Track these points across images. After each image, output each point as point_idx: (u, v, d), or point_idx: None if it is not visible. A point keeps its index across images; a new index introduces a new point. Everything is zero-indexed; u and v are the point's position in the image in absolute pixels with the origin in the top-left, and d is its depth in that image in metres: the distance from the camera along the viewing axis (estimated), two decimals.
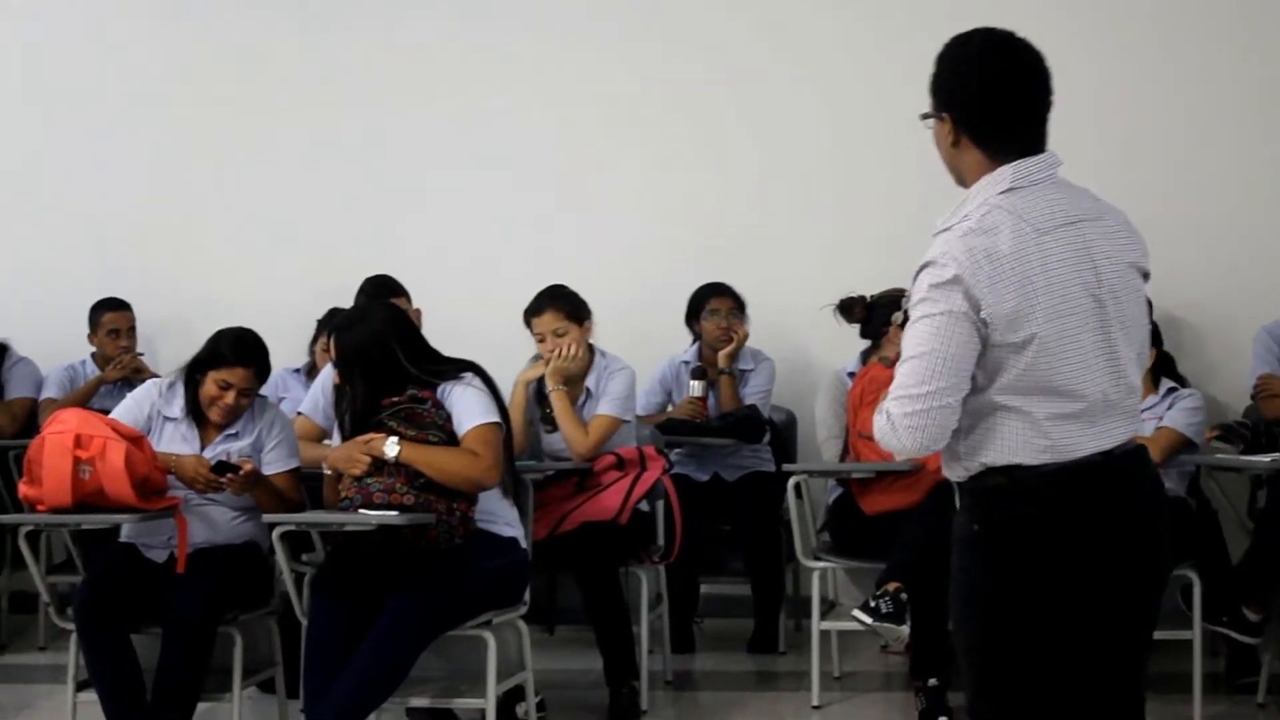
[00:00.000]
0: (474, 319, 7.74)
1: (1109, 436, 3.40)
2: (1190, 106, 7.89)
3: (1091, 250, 3.38)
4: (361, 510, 5.43)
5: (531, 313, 6.79)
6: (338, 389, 5.81)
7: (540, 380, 6.74)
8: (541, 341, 6.75)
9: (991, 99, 3.40)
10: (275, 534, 5.57)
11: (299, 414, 6.60)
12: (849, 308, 6.75)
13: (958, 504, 3.54)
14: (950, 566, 3.52)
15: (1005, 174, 3.38)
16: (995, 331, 3.31)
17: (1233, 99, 7.86)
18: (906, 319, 6.40)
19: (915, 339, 3.37)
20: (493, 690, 5.55)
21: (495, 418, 5.63)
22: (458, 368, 5.72)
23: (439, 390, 5.63)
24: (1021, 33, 3.45)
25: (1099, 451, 3.38)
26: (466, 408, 5.60)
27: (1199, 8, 7.97)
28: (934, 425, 3.34)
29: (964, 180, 3.46)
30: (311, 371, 7.42)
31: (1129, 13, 7.97)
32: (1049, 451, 3.36)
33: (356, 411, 5.63)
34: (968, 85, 3.42)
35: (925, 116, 3.47)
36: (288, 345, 7.42)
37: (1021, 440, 3.36)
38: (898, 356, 6.54)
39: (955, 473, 3.49)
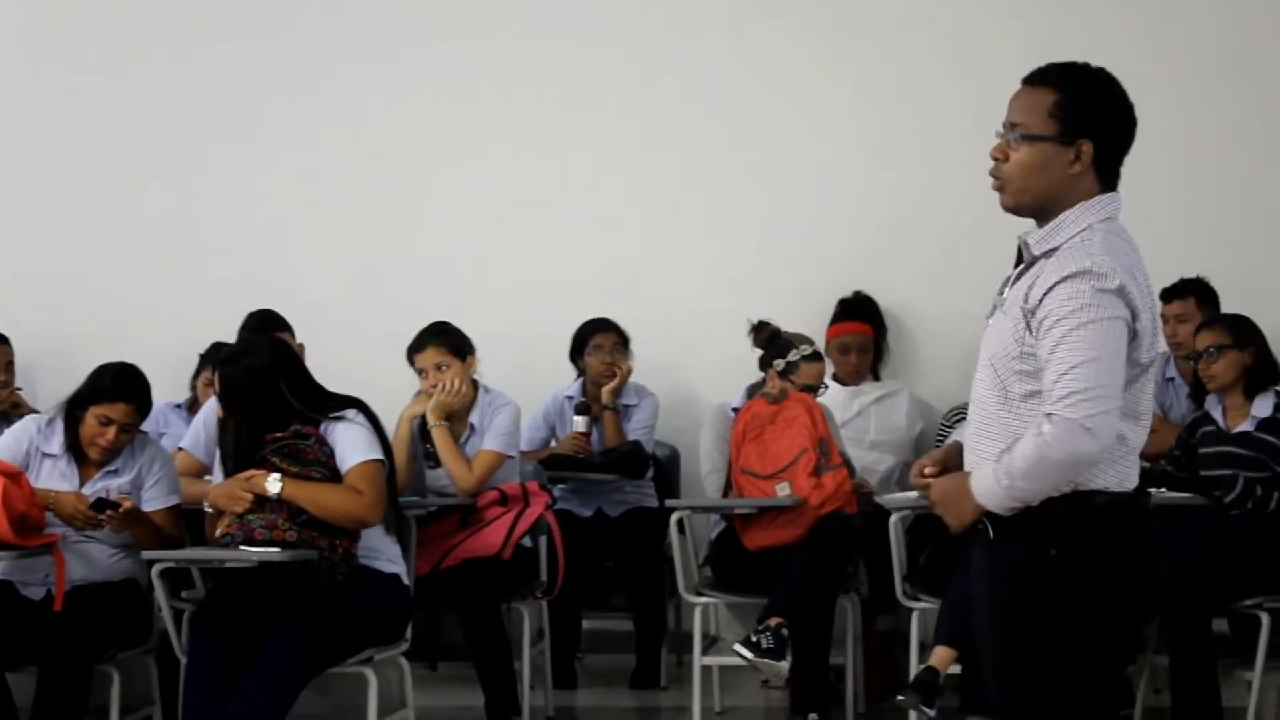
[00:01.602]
0: (357, 353, 7.72)
1: (1138, 471, 3.53)
2: None
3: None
4: (242, 547, 5.39)
5: (414, 349, 6.80)
6: (221, 423, 5.77)
7: (423, 418, 6.73)
8: (424, 377, 6.75)
9: (1128, 134, 3.55)
10: (154, 571, 5.53)
11: (180, 449, 6.55)
12: (758, 330, 6.82)
13: (990, 530, 3.50)
14: (978, 595, 3.59)
15: (1108, 203, 3.52)
16: (1136, 348, 3.42)
17: None
18: (788, 368, 6.44)
19: (1086, 344, 3.35)
20: None
21: (378, 455, 5.61)
22: (342, 404, 5.70)
23: (323, 426, 5.61)
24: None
25: (1138, 486, 3.51)
26: (350, 444, 5.58)
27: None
28: (1111, 429, 3.36)
29: (1048, 206, 3.52)
30: (193, 406, 7.35)
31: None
32: (1125, 480, 3.46)
33: (239, 447, 5.60)
34: (1114, 117, 3.54)
35: (1046, 139, 3.49)
36: (169, 380, 7.37)
37: (1112, 464, 3.43)
38: (780, 393, 6.68)
39: None
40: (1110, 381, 3.35)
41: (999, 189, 3.57)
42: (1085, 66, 3.57)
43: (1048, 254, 3.48)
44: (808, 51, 8.29)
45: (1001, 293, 3.61)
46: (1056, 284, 3.40)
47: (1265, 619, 6.01)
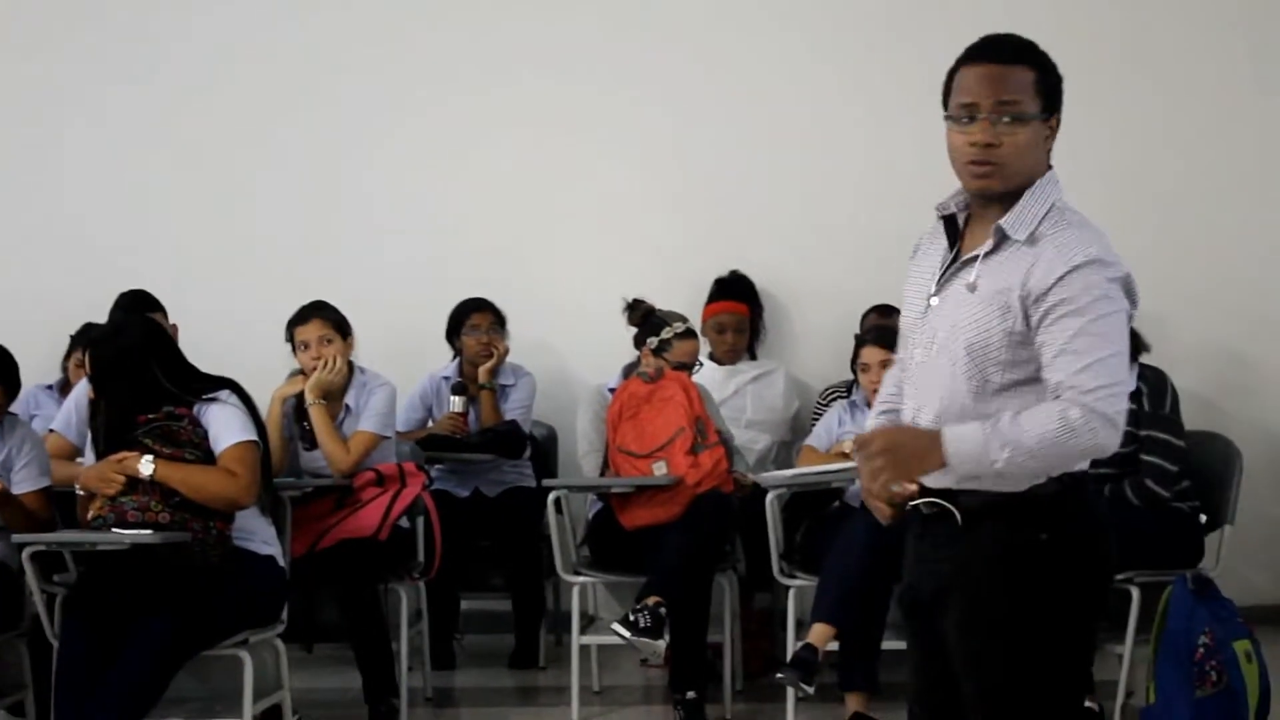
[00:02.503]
0: (228, 334, 7.67)
1: None
2: None
3: None
4: (115, 529, 5.34)
5: (296, 321, 6.77)
6: (92, 405, 5.71)
7: (298, 396, 6.70)
8: (305, 350, 6.71)
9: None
10: (25, 554, 5.46)
11: (51, 431, 6.47)
12: (633, 308, 6.82)
13: (959, 516, 3.37)
14: (948, 587, 3.40)
15: (1056, 180, 3.42)
16: None
17: None
18: (661, 346, 6.39)
19: (1108, 335, 3.26)
20: (249, 710, 5.50)
21: (253, 436, 5.57)
22: (215, 385, 5.65)
23: (196, 408, 5.56)
24: None
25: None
26: (224, 426, 5.54)
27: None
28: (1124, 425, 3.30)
29: (1028, 181, 3.38)
30: (64, 388, 7.25)
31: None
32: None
33: (111, 428, 5.53)
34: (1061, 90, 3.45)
35: (1036, 118, 3.37)
36: (39, 362, 7.27)
37: None
38: (656, 372, 6.70)
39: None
40: (1126, 377, 3.28)
41: (987, 175, 3.37)
42: (1030, 41, 3.47)
43: (1030, 239, 3.33)
44: (684, 36, 8.30)
45: (944, 274, 3.45)
46: (1067, 273, 3.26)
47: (1135, 593, 6.09)
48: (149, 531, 5.31)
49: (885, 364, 6.97)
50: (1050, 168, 3.43)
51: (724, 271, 8.02)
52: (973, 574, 3.37)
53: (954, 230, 3.50)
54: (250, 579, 5.60)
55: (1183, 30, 8.18)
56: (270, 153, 8.43)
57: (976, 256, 3.39)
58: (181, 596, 5.34)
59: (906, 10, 8.01)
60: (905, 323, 3.58)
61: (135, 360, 5.54)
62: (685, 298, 7.68)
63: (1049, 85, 3.40)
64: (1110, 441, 3.23)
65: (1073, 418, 3.19)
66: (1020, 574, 3.33)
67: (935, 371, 3.42)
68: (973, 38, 3.49)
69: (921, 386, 3.46)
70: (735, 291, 7.96)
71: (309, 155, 8.41)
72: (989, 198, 3.40)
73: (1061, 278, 3.27)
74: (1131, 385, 6.35)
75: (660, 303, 6.94)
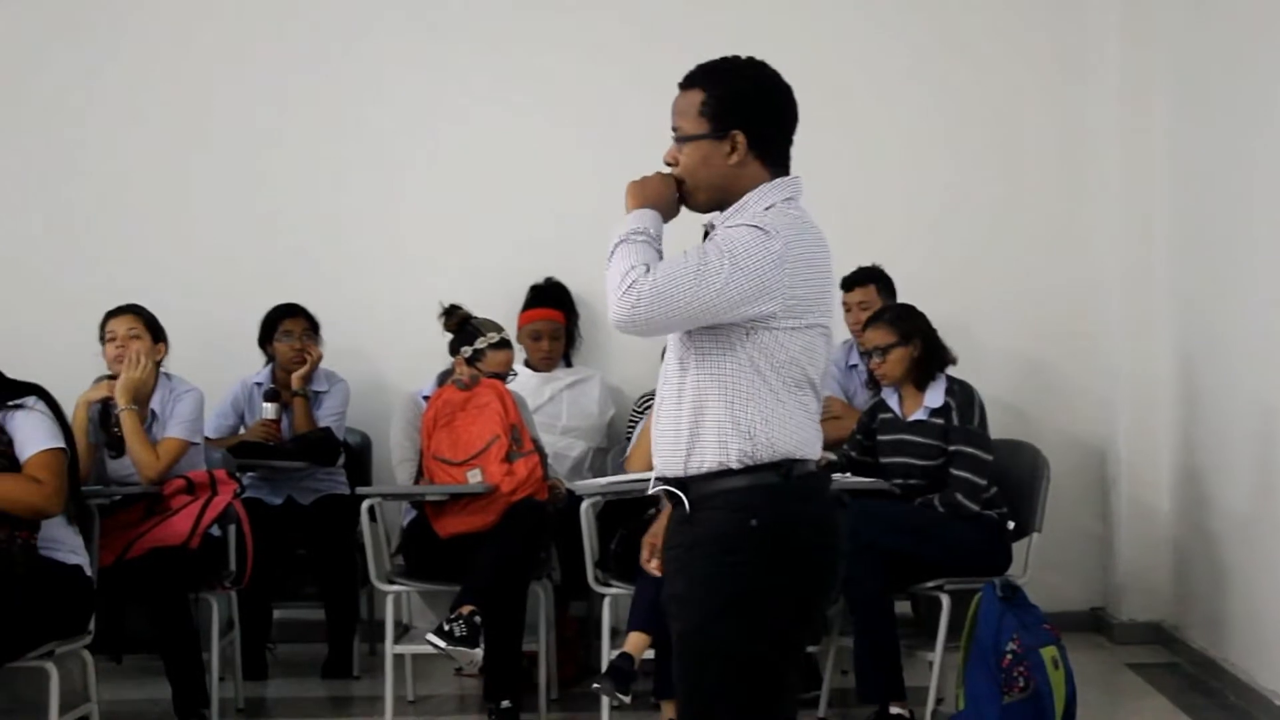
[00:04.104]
0: (29, 340, 7.54)
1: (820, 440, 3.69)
2: None
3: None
4: None
5: (111, 315, 6.71)
6: None
7: (103, 403, 6.59)
8: (111, 341, 6.62)
9: (780, 117, 3.73)
10: None
11: None
12: (449, 314, 6.79)
13: (687, 505, 3.64)
14: (673, 570, 3.68)
15: (787, 185, 3.69)
16: (804, 312, 3.57)
17: None
18: (475, 355, 6.49)
19: (705, 262, 3.51)
20: None
21: (60, 443, 5.48)
22: (21, 391, 5.54)
23: (0, 414, 5.44)
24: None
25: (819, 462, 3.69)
26: (30, 433, 5.44)
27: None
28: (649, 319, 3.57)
29: (723, 198, 3.69)
30: None
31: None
32: (809, 448, 3.64)
33: None
34: (762, 105, 3.69)
35: (700, 138, 3.66)
36: None
37: (795, 429, 3.62)
38: (471, 380, 6.68)
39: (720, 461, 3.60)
40: (682, 289, 3.45)
41: (683, 191, 3.72)
42: (733, 61, 3.74)
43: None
44: (503, 48, 8.31)
45: None
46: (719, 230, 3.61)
47: (945, 600, 6.19)
48: None
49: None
50: (779, 175, 3.69)
51: (540, 278, 8.02)
52: (691, 556, 3.64)
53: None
54: (56, 588, 5.50)
55: (980, 33, 8.34)
56: (72, 155, 8.30)
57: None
58: None
59: (724, 25, 8.09)
60: None
61: None
62: (502, 304, 7.67)
63: (720, 104, 3.67)
64: (614, 308, 3.48)
65: (633, 273, 3.46)
66: (731, 554, 3.58)
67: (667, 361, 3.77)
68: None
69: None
70: (551, 298, 7.97)
71: (120, 159, 8.30)
72: (693, 210, 3.75)
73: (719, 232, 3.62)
74: (939, 401, 6.46)
75: (477, 309, 6.92)
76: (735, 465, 3.56)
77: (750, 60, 3.73)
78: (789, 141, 3.74)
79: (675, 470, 3.65)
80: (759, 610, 3.56)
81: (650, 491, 3.74)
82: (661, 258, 3.53)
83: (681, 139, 3.70)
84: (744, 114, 3.66)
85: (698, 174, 3.68)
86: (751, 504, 3.57)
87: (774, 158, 3.70)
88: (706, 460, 3.59)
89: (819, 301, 3.60)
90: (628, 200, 3.69)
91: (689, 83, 3.72)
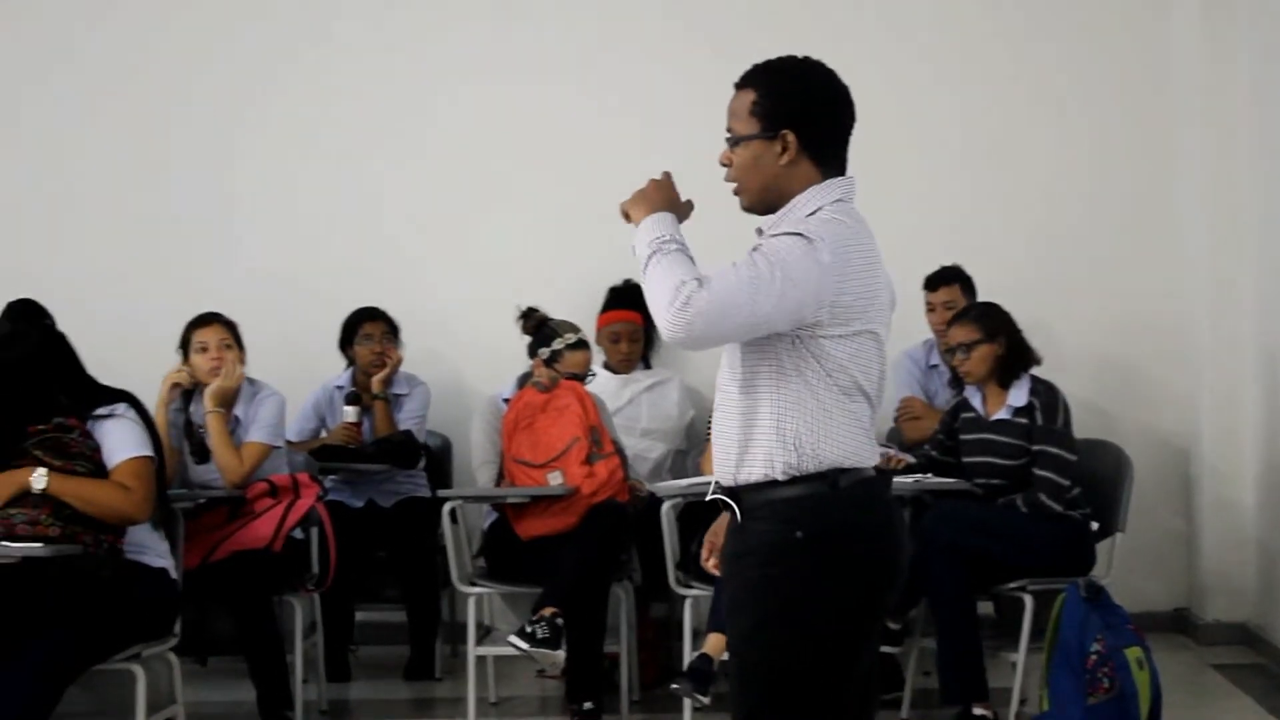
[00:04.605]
0: (109, 346, 7.60)
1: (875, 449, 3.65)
2: None
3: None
4: (4, 543, 5.26)
5: (196, 325, 6.74)
6: None
7: (185, 410, 6.64)
8: (203, 352, 6.66)
9: (834, 118, 3.67)
10: None
11: None
12: (526, 316, 6.82)
13: (738, 514, 3.61)
14: (725, 578, 3.66)
15: (836, 186, 3.63)
16: (850, 319, 3.53)
17: None
18: (552, 357, 6.51)
19: (757, 275, 3.47)
20: None
21: (148, 451, 5.52)
22: (113, 397, 5.58)
23: (90, 420, 5.49)
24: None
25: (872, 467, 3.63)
26: (120, 440, 5.48)
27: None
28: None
29: (773, 199, 3.65)
30: None
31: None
32: (861, 457, 3.59)
33: (1, 438, 5.44)
34: (814, 105, 3.65)
35: (752, 138, 3.63)
36: None
37: (843, 439, 3.56)
38: (550, 382, 6.71)
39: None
40: (739, 305, 3.41)
41: (736, 192, 3.70)
42: (786, 61, 3.70)
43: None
44: (576, 46, 8.32)
45: None
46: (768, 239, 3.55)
47: (1029, 601, 6.15)
48: (39, 545, 5.24)
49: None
50: (831, 175, 3.64)
51: (618, 280, 8.02)
52: (738, 564, 3.62)
53: None
54: (143, 592, 5.54)
55: (1076, 33, 8.30)
56: (163, 162, 8.36)
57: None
58: (73, 610, 5.26)
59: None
60: None
61: (32, 370, 5.47)
62: (581, 306, 7.68)
63: (771, 104, 3.63)
64: (668, 323, 3.40)
65: (685, 288, 3.39)
66: (774, 566, 3.54)
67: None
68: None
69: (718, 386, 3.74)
70: (629, 300, 7.96)
71: (202, 162, 8.36)
72: (746, 210, 3.72)
73: (765, 240, 3.56)
74: (1023, 400, 6.42)
75: (555, 311, 6.94)
76: (781, 477, 3.53)
77: (804, 59, 3.70)
78: (844, 141, 3.69)
79: (727, 479, 3.63)
80: (802, 623, 3.51)
81: (709, 498, 3.71)
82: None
83: (734, 140, 3.67)
84: (795, 113, 3.62)
85: (749, 175, 3.66)
86: (798, 515, 3.53)
87: (827, 158, 3.65)
88: (755, 471, 3.57)
89: (868, 307, 3.54)
90: (631, 212, 3.65)
91: (743, 83, 3.70)
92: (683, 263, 3.47)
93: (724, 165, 3.70)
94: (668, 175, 3.71)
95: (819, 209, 3.58)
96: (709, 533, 3.94)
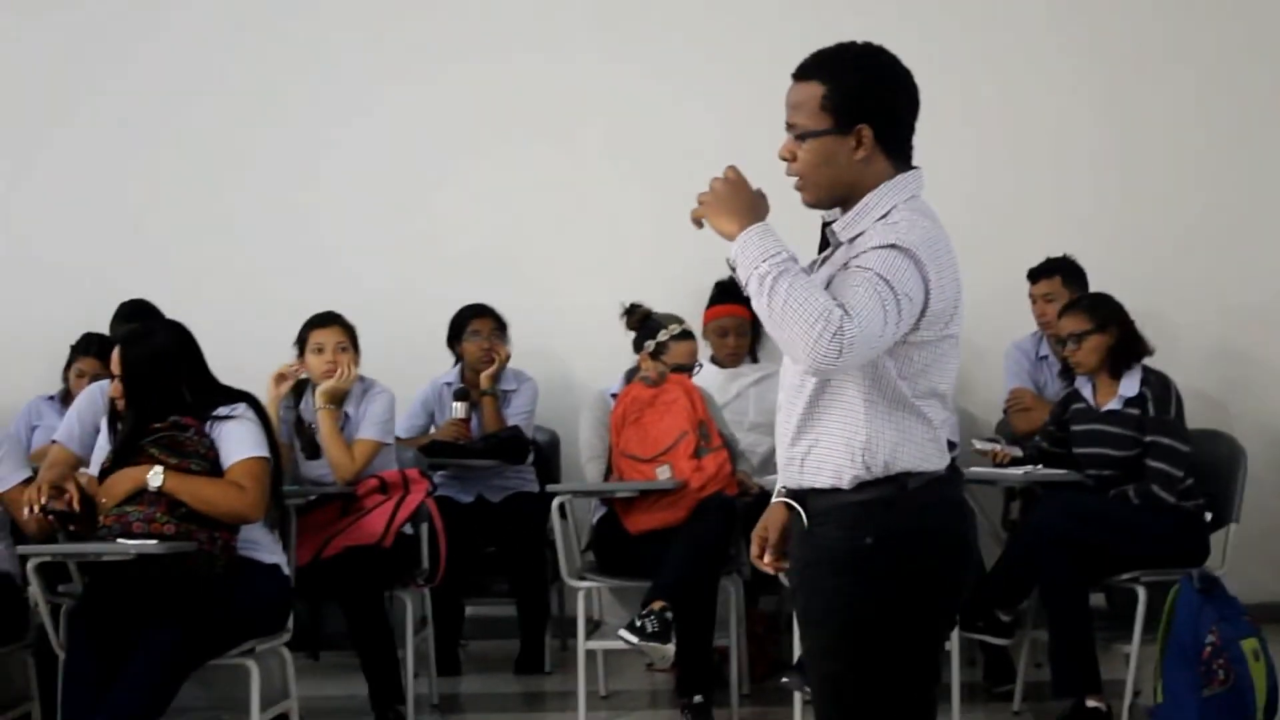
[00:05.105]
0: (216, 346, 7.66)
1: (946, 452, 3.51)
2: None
3: None
4: (120, 540, 5.32)
5: (315, 325, 6.79)
6: (115, 404, 5.67)
7: (296, 407, 6.70)
8: (319, 353, 6.71)
9: (905, 109, 3.49)
10: (30, 565, 5.45)
11: (54, 442, 6.46)
12: (630, 312, 6.83)
13: (804, 518, 3.48)
14: (795, 583, 3.55)
15: (909, 182, 3.46)
16: (932, 321, 3.38)
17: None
18: (658, 349, 6.43)
19: (883, 296, 3.32)
20: (257, 718, 5.49)
21: (264, 452, 5.56)
22: (234, 398, 5.64)
23: (209, 419, 5.54)
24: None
25: (949, 467, 3.50)
26: (238, 440, 5.52)
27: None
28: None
29: (846, 195, 3.46)
30: (66, 398, 7.24)
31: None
32: (932, 461, 3.44)
33: (131, 433, 5.50)
34: (887, 96, 3.47)
35: (823, 134, 3.43)
36: (41, 373, 7.27)
37: (917, 444, 3.43)
38: (658, 376, 6.71)
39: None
40: (878, 332, 3.25)
41: (799, 188, 3.50)
42: (851, 48, 3.50)
43: (852, 241, 3.43)
44: (682, 41, 8.32)
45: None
46: (866, 252, 3.34)
47: (1142, 593, 6.10)
48: (154, 542, 5.29)
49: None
50: (901, 169, 3.46)
51: (724, 274, 8.00)
52: (809, 573, 3.50)
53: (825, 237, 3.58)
54: (256, 588, 5.59)
55: (1192, 29, 8.21)
56: (257, 163, 8.43)
57: (821, 259, 3.53)
58: (187, 606, 5.32)
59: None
60: None
61: (168, 365, 5.54)
62: (688, 301, 7.67)
63: (843, 98, 3.43)
64: (821, 355, 3.19)
65: (833, 316, 3.18)
66: (846, 575, 3.42)
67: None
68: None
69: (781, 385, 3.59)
70: (736, 294, 7.90)
71: (298, 164, 8.41)
72: (810, 207, 3.53)
73: (862, 254, 3.34)
74: (1135, 391, 6.37)
75: (661, 306, 6.94)
76: (847, 486, 3.40)
77: (868, 46, 3.50)
78: (912, 132, 3.50)
79: (792, 482, 3.50)
80: (882, 632, 3.41)
81: (774, 501, 3.60)
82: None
83: (801, 135, 3.45)
84: (870, 107, 3.42)
85: (820, 172, 3.45)
86: (865, 520, 3.38)
87: (898, 151, 3.46)
88: (821, 477, 3.43)
89: (955, 312, 3.41)
90: (714, 223, 3.43)
91: (804, 74, 3.47)
92: (813, 286, 3.26)
93: (785, 160, 3.50)
94: (736, 172, 3.46)
95: (893, 207, 3.42)
96: (757, 528, 3.71)
